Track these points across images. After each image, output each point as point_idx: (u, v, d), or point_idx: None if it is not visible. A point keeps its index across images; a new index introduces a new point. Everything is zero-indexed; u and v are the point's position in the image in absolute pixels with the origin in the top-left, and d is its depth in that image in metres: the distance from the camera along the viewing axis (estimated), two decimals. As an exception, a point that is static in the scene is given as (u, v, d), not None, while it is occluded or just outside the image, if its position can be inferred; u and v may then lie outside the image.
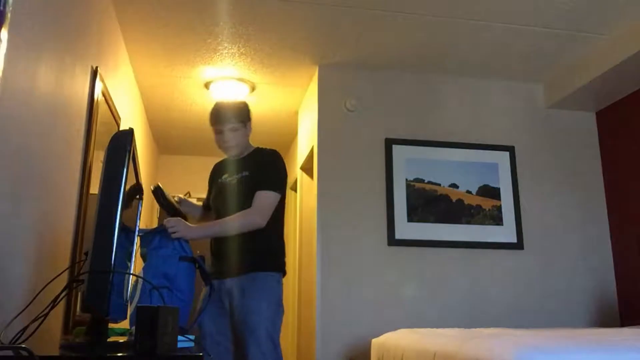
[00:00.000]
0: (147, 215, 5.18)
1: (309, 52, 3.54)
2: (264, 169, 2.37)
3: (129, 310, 1.71)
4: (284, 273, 2.36)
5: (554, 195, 3.77)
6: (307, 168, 4.24)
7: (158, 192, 2.33)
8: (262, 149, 2.50)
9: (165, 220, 2.00)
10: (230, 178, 2.44)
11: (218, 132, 2.44)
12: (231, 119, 2.41)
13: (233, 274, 2.27)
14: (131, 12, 3.08)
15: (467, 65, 3.71)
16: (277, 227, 2.40)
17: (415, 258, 3.48)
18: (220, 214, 2.40)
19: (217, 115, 2.45)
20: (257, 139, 5.50)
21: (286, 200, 6.10)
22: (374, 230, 3.46)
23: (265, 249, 2.31)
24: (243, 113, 2.46)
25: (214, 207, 2.51)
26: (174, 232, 1.94)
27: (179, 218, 2.08)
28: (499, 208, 3.65)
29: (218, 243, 2.37)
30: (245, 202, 2.30)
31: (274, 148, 2.50)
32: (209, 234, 2.28)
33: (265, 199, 2.29)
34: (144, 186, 2.05)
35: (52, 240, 2.01)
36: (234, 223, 2.25)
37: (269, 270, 2.28)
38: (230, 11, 3.08)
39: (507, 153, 3.77)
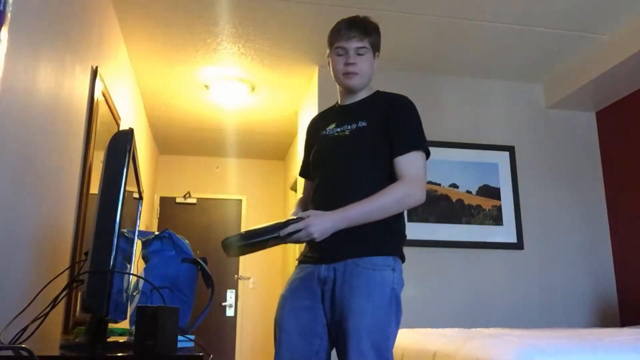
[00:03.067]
0: (147, 216, 5.18)
1: (309, 52, 3.54)
2: (398, 120, 1.73)
3: (129, 310, 1.71)
4: (402, 258, 1.70)
5: (554, 195, 3.77)
6: (307, 168, 4.22)
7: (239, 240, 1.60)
8: (385, 92, 1.85)
9: (296, 221, 1.55)
10: (339, 129, 1.77)
11: (339, 53, 1.77)
12: (362, 35, 1.75)
13: (330, 258, 1.64)
14: (131, 12, 3.08)
15: (467, 65, 3.71)
16: None
17: (415, 258, 3.47)
18: (326, 179, 1.75)
19: (344, 27, 1.79)
20: (258, 139, 5.55)
21: (287, 200, 6.07)
22: (374, 230, 3.46)
23: (377, 225, 1.63)
24: (377, 36, 1.81)
25: (317, 171, 1.80)
26: (309, 236, 1.54)
27: (311, 214, 1.57)
28: (499, 208, 3.65)
29: (319, 204, 1.73)
30: (363, 164, 1.69)
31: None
32: (353, 222, 1.59)
33: (418, 164, 1.69)
34: (143, 187, 2.00)
35: (52, 240, 2.01)
36: (386, 200, 1.60)
37: (380, 254, 1.62)
38: (230, 11, 3.08)
39: (507, 153, 3.77)
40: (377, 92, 1.85)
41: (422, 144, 1.73)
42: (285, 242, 1.59)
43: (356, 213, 1.58)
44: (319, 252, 1.68)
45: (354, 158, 1.71)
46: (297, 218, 1.56)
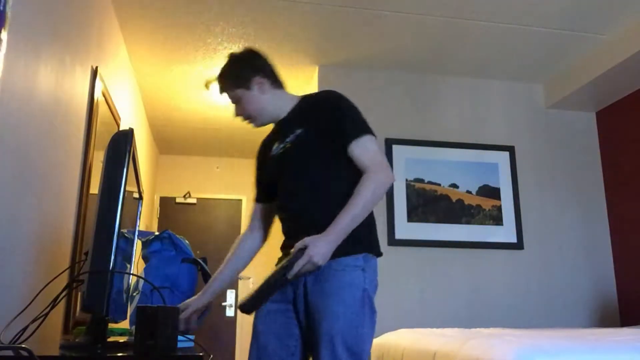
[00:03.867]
0: (147, 216, 5.18)
1: (309, 52, 3.54)
2: (333, 115, 1.69)
3: (129, 310, 1.71)
4: (375, 254, 1.66)
5: (554, 195, 3.77)
6: (307, 168, 4.23)
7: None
8: (311, 94, 1.84)
9: (297, 256, 1.52)
10: (282, 145, 1.76)
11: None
12: (225, 89, 1.79)
13: None
14: (131, 12, 3.08)
15: (467, 65, 3.71)
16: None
17: (415, 258, 3.48)
18: (285, 195, 1.74)
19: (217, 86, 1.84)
20: (258, 139, 5.53)
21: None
22: (374, 230, 3.46)
23: None
24: (237, 73, 1.77)
25: (277, 188, 1.79)
26: (314, 265, 1.52)
27: (308, 244, 1.52)
28: (499, 208, 3.65)
29: (286, 227, 1.75)
30: (313, 168, 1.67)
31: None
32: (345, 234, 1.58)
33: (371, 149, 1.65)
34: (143, 187, 1.98)
35: (52, 240, 2.01)
36: (363, 199, 1.58)
37: (349, 254, 1.59)
38: (230, 11, 3.08)
39: (507, 153, 3.77)
40: (303, 97, 1.84)
41: (365, 128, 1.69)
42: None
43: (344, 224, 1.56)
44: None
45: (302, 166, 1.69)
46: (296, 253, 1.53)
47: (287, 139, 1.73)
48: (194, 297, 1.74)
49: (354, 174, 1.64)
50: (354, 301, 1.56)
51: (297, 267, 1.51)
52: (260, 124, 1.81)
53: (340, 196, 1.62)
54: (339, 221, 1.56)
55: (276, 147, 1.79)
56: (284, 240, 1.75)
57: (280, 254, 1.77)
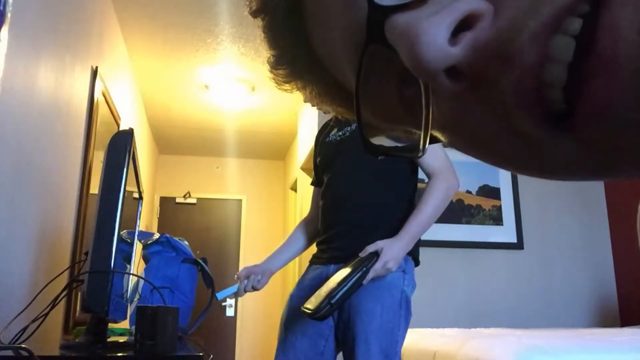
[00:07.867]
0: (147, 216, 5.18)
1: (309, 52, 3.54)
2: None
3: (129, 310, 1.71)
4: (415, 260, 1.68)
5: (554, 195, 3.77)
6: (307, 168, 4.24)
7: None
8: None
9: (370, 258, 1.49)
10: (340, 132, 1.75)
11: None
12: None
13: (342, 258, 1.60)
14: (131, 12, 3.08)
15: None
16: (403, 195, 1.69)
17: (415, 258, 3.48)
18: (333, 182, 1.74)
19: None
20: (258, 139, 5.55)
21: (287, 200, 6.07)
22: (374, 230, 3.45)
23: (389, 226, 1.61)
24: None
25: (326, 175, 1.78)
26: (388, 271, 1.52)
27: (383, 247, 1.51)
28: (499, 208, 3.64)
29: (326, 219, 1.74)
30: (364, 163, 1.66)
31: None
32: (416, 238, 1.60)
33: (438, 153, 1.62)
34: (143, 187, 1.98)
35: (52, 240, 2.01)
36: (433, 205, 1.58)
37: None
38: (230, 11, 3.08)
39: (507, 153, 3.77)
40: None
41: None
42: None
43: (417, 229, 1.58)
44: (330, 252, 1.68)
45: (355, 158, 1.69)
46: (370, 257, 1.50)
47: (348, 128, 1.71)
48: (264, 261, 1.82)
49: (402, 178, 1.67)
50: (393, 302, 1.56)
51: (373, 273, 1.49)
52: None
53: (384, 197, 1.64)
54: (411, 225, 1.56)
55: (334, 134, 1.78)
56: (323, 236, 1.74)
57: (315, 251, 1.78)
